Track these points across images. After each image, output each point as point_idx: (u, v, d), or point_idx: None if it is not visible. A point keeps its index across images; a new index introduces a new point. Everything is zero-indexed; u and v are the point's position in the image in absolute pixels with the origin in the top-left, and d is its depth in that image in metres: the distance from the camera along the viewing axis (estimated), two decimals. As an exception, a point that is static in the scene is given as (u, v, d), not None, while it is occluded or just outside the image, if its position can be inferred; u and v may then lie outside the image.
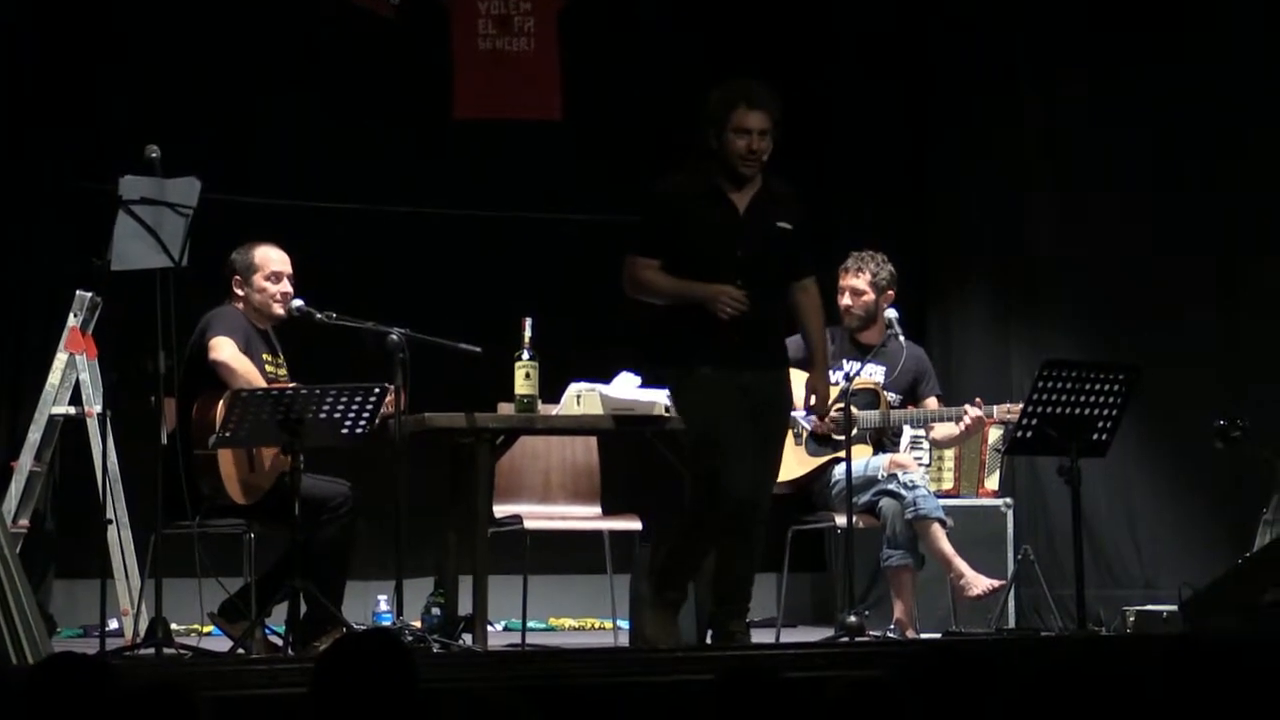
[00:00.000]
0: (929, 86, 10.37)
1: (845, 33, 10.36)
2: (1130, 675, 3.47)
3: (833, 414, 7.45)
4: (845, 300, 8.08)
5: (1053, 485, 8.82)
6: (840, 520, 7.58)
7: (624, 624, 7.90)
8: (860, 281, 8.06)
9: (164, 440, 6.96)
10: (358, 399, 6.85)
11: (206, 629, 7.76)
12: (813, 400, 7.12)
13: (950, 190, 10.33)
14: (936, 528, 7.91)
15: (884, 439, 8.11)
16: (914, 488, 7.87)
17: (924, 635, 8.01)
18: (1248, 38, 8.91)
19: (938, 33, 10.30)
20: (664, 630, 6.82)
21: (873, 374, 8.01)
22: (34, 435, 8.12)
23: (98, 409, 7.89)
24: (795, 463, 7.65)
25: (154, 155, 6.86)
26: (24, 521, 8.08)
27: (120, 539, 7.90)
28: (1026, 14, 9.78)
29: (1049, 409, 7.07)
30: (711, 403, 6.78)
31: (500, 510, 7.70)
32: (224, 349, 7.21)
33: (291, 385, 7.18)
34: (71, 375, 8.11)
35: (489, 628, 7.46)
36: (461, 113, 9.98)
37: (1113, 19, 9.37)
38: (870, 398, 7.94)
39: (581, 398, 7.54)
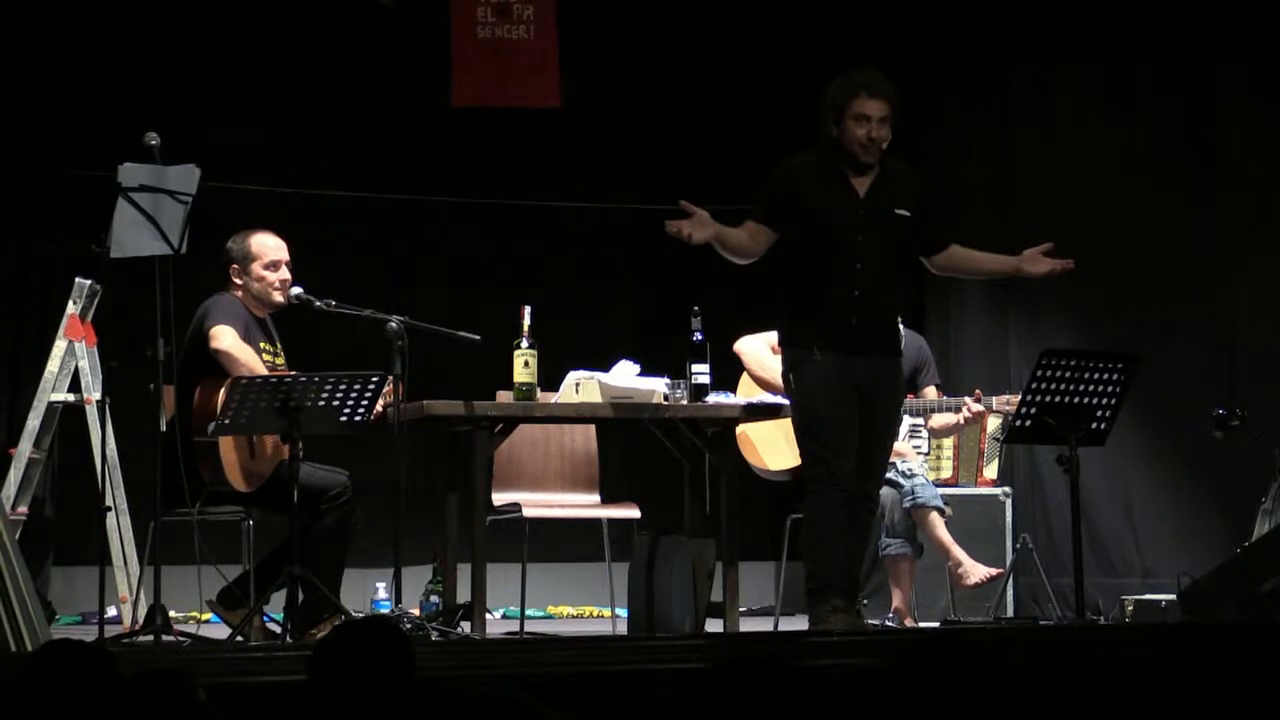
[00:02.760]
0: (924, 77, 10.36)
1: (840, 25, 10.35)
2: (1128, 664, 3.47)
3: None
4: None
5: (1051, 474, 8.84)
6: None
7: (622, 612, 7.91)
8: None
9: (163, 427, 6.96)
10: (356, 386, 6.85)
11: (205, 616, 7.76)
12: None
13: (947, 180, 10.32)
14: (935, 516, 7.92)
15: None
16: (912, 476, 7.88)
17: (922, 624, 8.02)
18: (1244, 33, 8.91)
19: (932, 25, 10.29)
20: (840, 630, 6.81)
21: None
22: (33, 422, 8.12)
23: (97, 396, 7.89)
24: (793, 452, 7.64)
25: (153, 142, 6.84)
26: (23, 509, 8.09)
27: (119, 526, 7.91)
28: (1022, 8, 9.78)
29: (1048, 398, 7.06)
30: (822, 389, 6.87)
31: (499, 498, 7.70)
32: (225, 337, 7.20)
33: (291, 373, 7.18)
34: (71, 362, 8.11)
35: (487, 615, 7.45)
36: (461, 101, 9.98)
37: (1109, 14, 9.38)
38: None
39: (580, 386, 7.53)
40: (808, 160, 7.05)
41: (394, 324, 7.18)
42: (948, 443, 8.96)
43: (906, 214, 6.98)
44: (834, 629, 6.76)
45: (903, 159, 7.13)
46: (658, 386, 7.45)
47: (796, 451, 7.78)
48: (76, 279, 8.10)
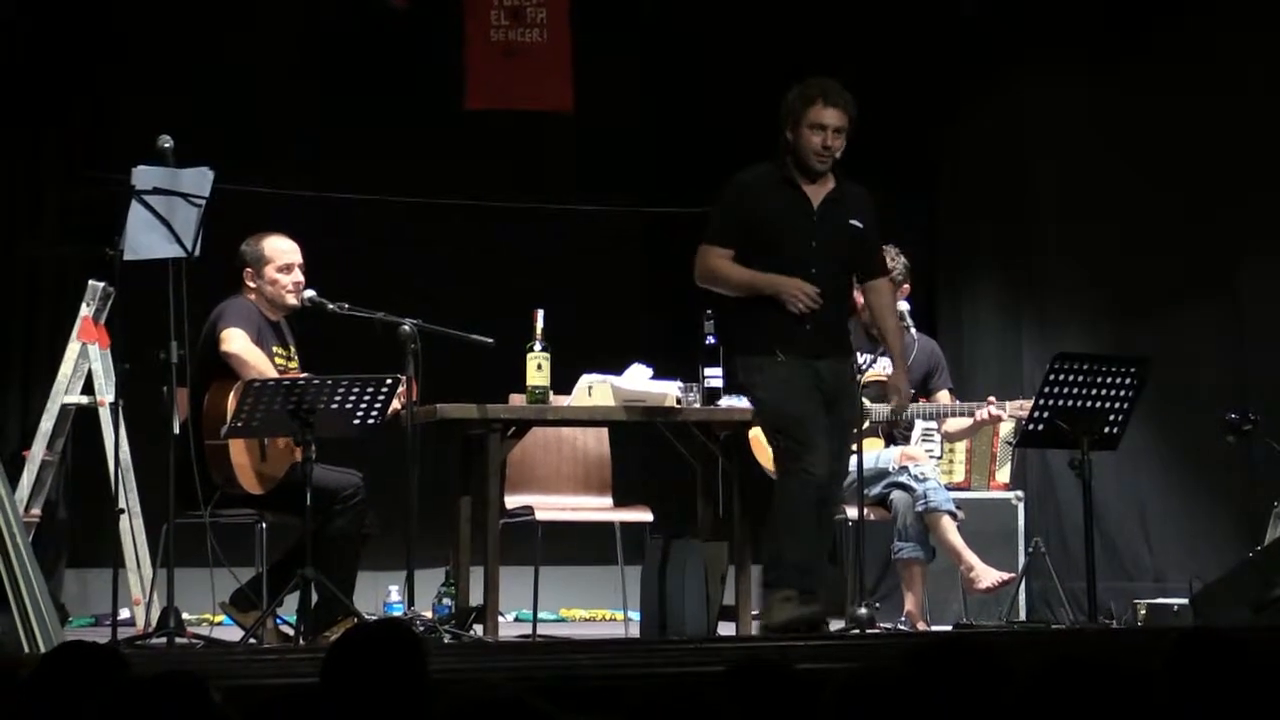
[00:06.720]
0: (937, 82, 10.36)
1: (852, 29, 10.33)
2: (1141, 668, 3.47)
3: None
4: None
5: (1064, 478, 8.83)
6: (851, 512, 7.57)
7: (634, 615, 7.91)
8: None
9: (176, 430, 6.96)
10: (369, 390, 6.86)
11: (218, 618, 7.77)
12: (895, 400, 7.30)
13: (959, 183, 10.32)
14: (947, 520, 7.91)
15: (895, 432, 8.11)
16: (925, 480, 7.87)
17: (935, 628, 8.01)
18: (1255, 37, 8.90)
19: (946, 33, 10.29)
20: (785, 619, 6.82)
21: (885, 367, 8.00)
22: (46, 424, 8.13)
23: (110, 399, 7.89)
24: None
25: (166, 145, 6.85)
26: (36, 511, 8.10)
27: (132, 528, 7.92)
28: (1031, 9, 9.78)
29: (1060, 402, 7.07)
30: (789, 387, 6.92)
31: (511, 501, 7.71)
32: (236, 340, 7.21)
33: (303, 376, 7.18)
34: (84, 365, 8.12)
35: (500, 618, 7.47)
36: (474, 103, 9.97)
37: (1116, 15, 9.37)
38: (882, 390, 7.94)
39: (593, 389, 7.54)
40: (760, 171, 7.12)
41: (407, 327, 7.19)
42: (960, 446, 8.95)
43: (859, 224, 7.06)
44: (776, 621, 6.78)
45: (861, 183, 7.18)
46: (670, 390, 7.45)
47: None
48: (90, 281, 8.11)
